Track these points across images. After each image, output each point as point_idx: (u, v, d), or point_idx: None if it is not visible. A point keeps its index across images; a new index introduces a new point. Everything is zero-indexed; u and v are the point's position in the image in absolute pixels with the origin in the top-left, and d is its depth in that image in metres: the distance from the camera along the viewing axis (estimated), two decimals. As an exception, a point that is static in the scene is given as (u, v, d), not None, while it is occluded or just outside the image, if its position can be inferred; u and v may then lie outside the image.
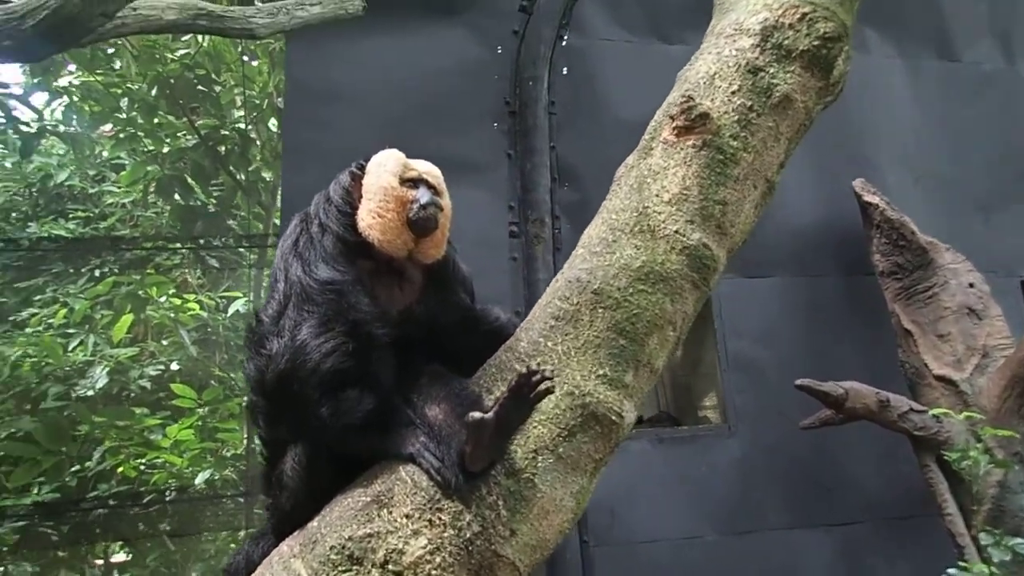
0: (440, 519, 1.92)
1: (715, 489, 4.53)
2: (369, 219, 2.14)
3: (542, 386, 1.88)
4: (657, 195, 2.18)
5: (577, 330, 2.10)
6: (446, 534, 1.91)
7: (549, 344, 2.11)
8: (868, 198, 4.82)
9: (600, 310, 2.10)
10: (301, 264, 2.11)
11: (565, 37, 4.97)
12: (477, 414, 1.83)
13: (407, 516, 1.93)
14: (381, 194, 2.16)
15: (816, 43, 2.31)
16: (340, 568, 1.90)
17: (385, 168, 2.21)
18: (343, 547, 1.92)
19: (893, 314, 4.68)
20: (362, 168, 2.25)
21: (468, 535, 1.91)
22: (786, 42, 2.30)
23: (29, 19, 4.94)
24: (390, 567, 1.88)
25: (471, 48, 5.01)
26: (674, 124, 2.22)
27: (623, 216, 2.20)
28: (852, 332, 4.95)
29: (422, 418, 2.02)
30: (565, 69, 5.02)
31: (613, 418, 2.05)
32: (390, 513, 1.94)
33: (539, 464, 1.99)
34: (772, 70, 2.28)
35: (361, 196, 2.20)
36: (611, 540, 4.31)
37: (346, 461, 2.07)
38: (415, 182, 2.21)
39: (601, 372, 2.06)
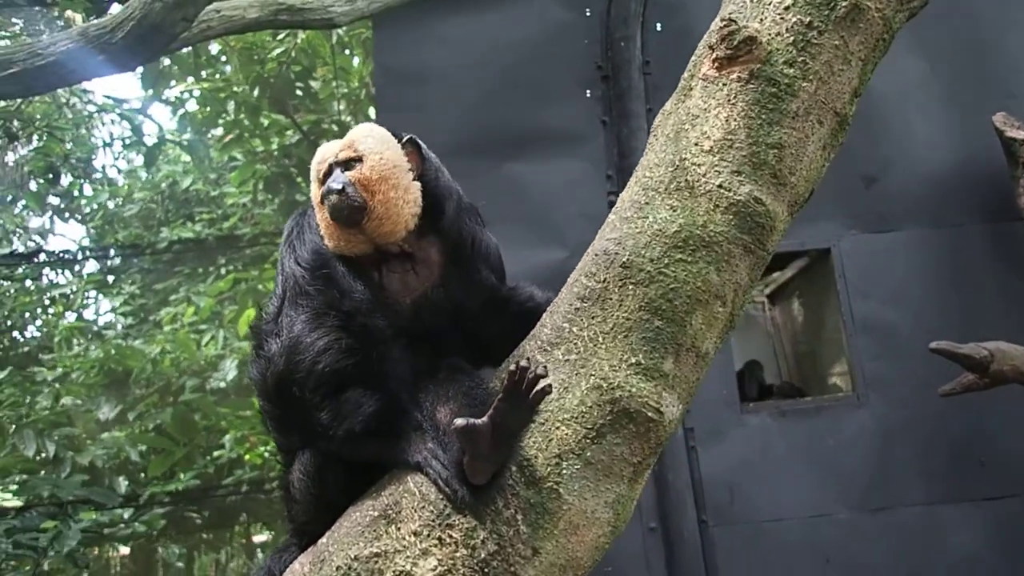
0: (451, 537, 1.68)
1: (845, 463, 4.27)
2: (323, 232, 1.97)
3: (539, 384, 1.59)
4: (696, 144, 1.80)
5: (605, 312, 1.77)
6: (458, 554, 1.67)
7: (574, 329, 1.80)
8: (1012, 133, 4.33)
9: (630, 287, 1.76)
10: (293, 255, 1.95)
11: (657, -10, 4.71)
12: (461, 420, 1.57)
13: (415, 533, 1.70)
14: (315, 203, 1.97)
15: (893, -69, 1.84)
16: (347, 591, 1.71)
17: (312, 177, 2.00)
18: (349, 568, 1.72)
19: (1046, 263, 4.14)
20: None
21: (483, 555, 1.66)
22: (852, -64, 1.84)
23: (119, 31, 5.10)
24: (398, 591, 1.67)
25: (558, 13, 4.84)
26: (714, 55, 1.82)
27: (657, 173, 1.84)
28: (997, 286, 4.47)
29: (430, 421, 1.78)
30: (659, 25, 4.77)
31: (649, 414, 1.71)
32: (398, 530, 1.72)
33: (564, 471, 1.70)
34: (836, -26, 1.83)
35: None
36: (732, 519, 4.16)
37: (360, 467, 1.87)
38: (326, 176, 1.94)
39: (633, 360, 1.72)
